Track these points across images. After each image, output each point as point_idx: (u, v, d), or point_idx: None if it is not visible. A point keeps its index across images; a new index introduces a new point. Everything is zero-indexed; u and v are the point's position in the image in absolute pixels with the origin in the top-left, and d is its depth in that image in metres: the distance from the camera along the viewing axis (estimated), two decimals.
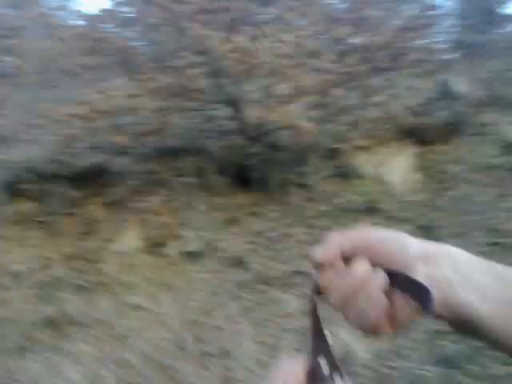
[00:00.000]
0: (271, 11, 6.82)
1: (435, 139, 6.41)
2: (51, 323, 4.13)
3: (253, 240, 5.40)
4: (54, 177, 5.60)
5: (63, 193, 5.51)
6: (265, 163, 6.23)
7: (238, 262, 5.12)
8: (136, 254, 5.18)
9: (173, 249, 5.26)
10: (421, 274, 0.55)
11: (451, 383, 2.98)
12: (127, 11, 7.45)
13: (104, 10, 7.10)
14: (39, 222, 5.30)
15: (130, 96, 5.85)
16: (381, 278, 0.55)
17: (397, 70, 6.84)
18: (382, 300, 0.55)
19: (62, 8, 12.20)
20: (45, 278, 4.66)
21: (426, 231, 5.05)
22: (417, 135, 6.50)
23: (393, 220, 5.44)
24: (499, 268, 0.58)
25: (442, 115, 6.60)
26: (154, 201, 5.64)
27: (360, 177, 6.27)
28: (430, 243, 0.60)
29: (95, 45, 6.83)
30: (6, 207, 5.19)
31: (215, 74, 6.34)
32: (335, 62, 6.34)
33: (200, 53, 5.96)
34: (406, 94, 6.85)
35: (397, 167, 6.35)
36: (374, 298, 0.55)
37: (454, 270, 0.56)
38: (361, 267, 0.56)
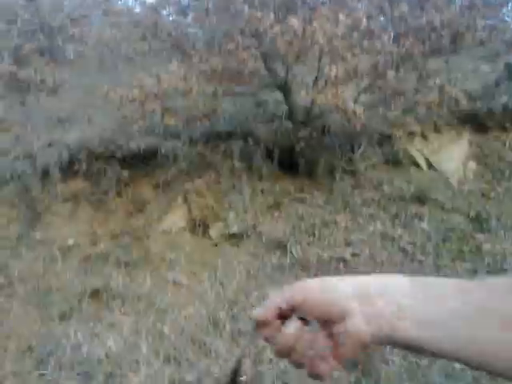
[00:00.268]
0: None
1: (494, 126, 5.99)
2: (95, 295, 4.33)
3: (295, 225, 5.35)
4: (107, 157, 5.82)
5: (114, 173, 5.72)
6: (312, 148, 6.13)
7: (279, 246, 5.09)
8: (180, 233, 5.30)
9: (215, 230, 5.32)
10: (358, 314, 0.58)
11: None
12: None
13: None
14: (90, 200, 5.55)
15: (182, 79, 5.93)
16: (311, 334, 0.60)
17: (457, 51, 6.46)
18: (315, 352, 0.59)
19: None
20: (92, 252, 4.89)
21: (478, 223, 4.76)
22: (475, 121, 6.11)
23: (443, 210, 5.18)
24: (445, 290, 0.59)
25: (502, 100, 6.15)
26: (200, 183, 5.72)
27: (412, 164, 6.01)
28: (365, 278, 0.63)
29: (150, 30, 7.03)
30: (60, 185, 5.47)
31: (266, 57, 6.30)
32: (391, 43, 6.09)
33: (252, 35, 5.94)
34: (465, 77, 6.44)
35: (452, 155, 6.02)
36: (306, 354, 0.59)
37: (392, 304, 0.58)
38: (291, 327, 0.60)
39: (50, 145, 5.85)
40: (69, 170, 5.70)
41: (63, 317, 4.04)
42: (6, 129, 6.42)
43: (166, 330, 4.04)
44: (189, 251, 5.01)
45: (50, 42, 10.72)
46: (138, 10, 8.93)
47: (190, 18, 7.88)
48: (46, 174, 5.60)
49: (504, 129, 6.05)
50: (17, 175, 5.60)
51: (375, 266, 4.71)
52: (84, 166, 5.76)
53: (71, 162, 5.75)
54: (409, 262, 4.74)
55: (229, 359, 3.56)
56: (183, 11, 7.73)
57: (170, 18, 7.88)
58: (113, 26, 9.32)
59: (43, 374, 3.34)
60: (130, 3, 10.95)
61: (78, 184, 5.66)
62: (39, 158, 5.66)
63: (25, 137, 6.14)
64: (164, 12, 8.10)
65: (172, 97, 5.98)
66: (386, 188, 5.69)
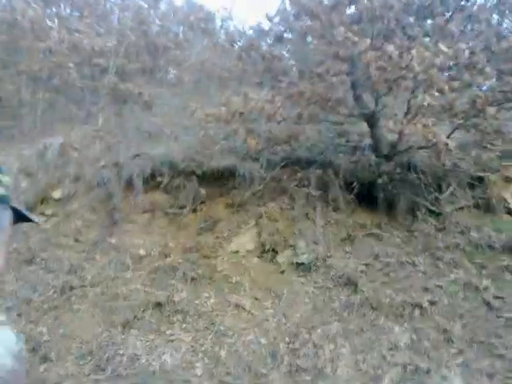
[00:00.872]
0: (429, 23, 6.41)
1: None
2: (158, 307, 4.36)
3: (368, 262, 5.05)
4: (187, 173, 5.97)
5: (192, 189, 5.84)
6: (395, 184, 5.82)
7: (349, 283, 4.82)
8: (248, 256, 5.22)
9: (284, 257, 5.18)
10: None
11: None
12: (279, 23, 7.73)
13: (257, 27, 7.47)
14: (167, 213, 5.69)
15: (268, 101, 5.97)
16: None
17: None
18: None
19: (224, 26, 13.26)
20: (161, 264, 4.96)
21: None
22: None
23: None
24: None
25: None
26: (273, 207, 5.64)
27: (505, 212, 5.47)
28: None
29: (243, 54, 7.22)
30: (141, 196, 5.67)
31: (356, 84, 6.17)
32: (494, 78, 5.69)
33: (345, 60, 5.84)
34: None
35: None
36: None
37: None
38: None
39: (136, 156, 6.12)
40: (150, 182, 5.91)
41: (126, 325, 4.10)
42: (100, 138, 6.85)
43: (222, 353, 3.95)
44: (254, 275, 4.91)
45: (153, 63, 11.46)
46: (237, 36, 9.30)
47: (285, 43, 8.02)
48: (129, 183, 5.85)
49: None
50: (102, 182, 5.91)
51: (454, 317, 4.28)
52: (165, 180, 5.95)
53: (154, 174, 5.96)
54: (494, 317, 4.25)
55: None
56: (280, 36, 7.87)
57: (267, 42, 8.07)
58: (211, 48, 9.78)
59: (98, 380, 3.37)
60: (232, 28, 11.49)
61: (158, 196, 5.84)
62: (125, 168, 5.93)
63: (115, 147, 6.50)
64: (261, 36, 8.35)
65: (256, 119, 6.02)
66: (473, 234, 5.21)
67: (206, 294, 4.59)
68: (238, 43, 8.32)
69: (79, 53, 9.24)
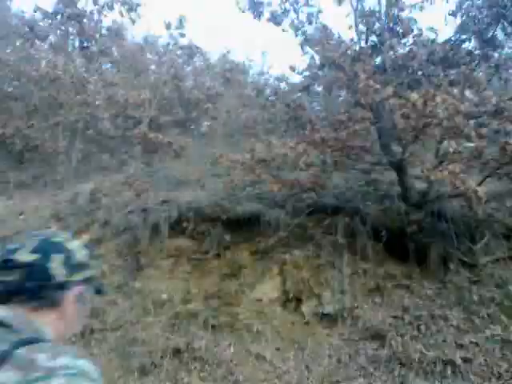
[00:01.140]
0: (454, 72, 6.44)
1: None
2: (177, 354, 4.23)
3: (397, 315, 4.81)
4: (213, 219, 5.98)
5: (217, 235, 5.82)
6: (425, 233, 5.64)
7: (377, 336, 4.58)
8: (271, 304, 5.08)
9: (308, 307, 5.01)
10: None
11: None
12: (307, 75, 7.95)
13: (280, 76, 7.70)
14: (191, 258, 5.66)
15: (292, 148, 6.01)
16: None
17: None
18: None
19: (255, 79, 13.75)
20: (183, 310, 4.87)
21: None
22: None
23: None
24: None
25: None
26: (298, 255, 5.54)
27: None
28: None
29: (270, 101, 7.42)
30: (166, 241, 5.69)
31: (382, 133, 6.17)
32: None
33: (367, 109, 5.88)
34: None
35: None
36: None
37: None
38: None
39: (163, 202, 6.21)
40: (176, 227, 5.94)
41: (143, 371, 3.98)
42: (129, 185, 7.01)
43: None
44: (277, 325, 4.74)
45: (186, 115, 11.90)
46: (262, 82, 9.61)
47: (311, 92, 8.20)
48: (155, 228, 5.90)
49: None
50: (130, 227, 5.98)
51: (491, 376, 3.96)
52: (191, 226, 5.96)
53: (179, 220, 6.00)
54: None
55: None
56: (306, 86, 8.06)
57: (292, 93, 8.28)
58: (238, 97, 10.09)
59: None
60: (257, 78, 11.88)
61: (183, 242, 5.84)
62: (152, 214, 6.01)
63: (144, 194, 6.62)
64: (286, 85, 8.59)
65: (281, 165, 6.05)
66: (510, 288, 4.91)
67: (226, 343, 4.44)
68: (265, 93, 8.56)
69: (114, 104, 9.71)
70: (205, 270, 5.51)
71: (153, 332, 4.49)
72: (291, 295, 5.12)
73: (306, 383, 4.06)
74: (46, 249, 1.00)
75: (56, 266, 0.98)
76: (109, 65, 13.19)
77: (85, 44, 12.55)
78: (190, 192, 6.55)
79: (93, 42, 12.40)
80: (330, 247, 5.66)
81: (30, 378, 0.77)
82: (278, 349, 4.46)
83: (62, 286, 0.99)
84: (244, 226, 5.97)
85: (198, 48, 13.73)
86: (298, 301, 5.09)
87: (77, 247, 1.06)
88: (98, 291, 1.12)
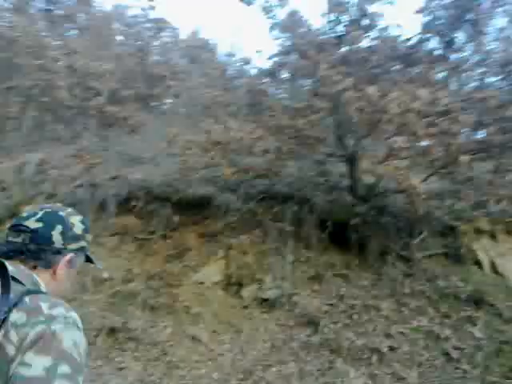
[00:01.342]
0: (412, 70, 6.57)
1: None
2: (112, 333, 4.25)
3: (333, 303, 4.99)
4: (163, 200, 5.96)
5: (165, 216, 5.81)
6: (368, 226, 5.82)
7: (311, 322, 4.75)
8: (213, 287, 5.15)
9: (249, 291, 5.12)
10: None
11: None
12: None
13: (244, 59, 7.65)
14: (137, 238, 5.64)
15: (250, 133, 6.01)
16: None
17: None
18: None
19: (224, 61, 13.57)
20: (123, 290, 4.87)
21: None
22: None
23: (501, 319, 4.58)
24: None
25: None
26: (244, 240, 5.61)
27: (473, 263, 5.46)
28: None
29: (233, 84, 7.37)
30: (113, 219, 5.64)
31: (338, 125, 6.26)
32: (472, 127, 5.80)
33: (326, 100, 5.94)
34: None
35: None
36: None
37: None
38: None
39: (113, 179, 6.12)
40: (124, 205, 5.89)
41: None
42: (80, 158, 6.86)
43: None
44: (216, 308, 4.83)
45: (148, 90, 11.63)
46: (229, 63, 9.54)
47: (278, 79, 8.19)
48: (103, 205, 5.82)
49: None
50: (76, 202, 5.87)
51: (412, 365, 4.20)
52: (140, 204, 5.93)
53: (129, 198, 5.95)
54: (451, 368, 4.17)
55: None
56: (271, 71, 8.04)
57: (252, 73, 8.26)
58: (203, 77, 9.98)
59: None
60: (224, 59, 11.77)
61: (129, 220, 5.80)
62: (100, 190, 5.92)
63: (94, 168, 6.50)
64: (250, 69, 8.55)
65: (235, 149, 6.05)
66: (440, 283, 5.17)
67: (164, 324, 4.49)
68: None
69: (74, 73, 9.38)
70: (150, 250, 5.51)
71: (89, 310, 4.47)
72: (234, 279, 5.22)
73: (239, 365, 4.18)
74: (50, 219, 1.20)
75: (56, 235, 1.18)
76: (73, 31, 12.71)
77: (49, 7, 12.02)
78: (142, 170, 6.47)
79: (58, 5, 11.90)
80: (276, 234, 5.76)
81: (35, 320, 0.96)
82: (214, 331, 4.56)
83: (58, 252, 1.18)
84: (194, 209, 5.99)
85: (167, 22, 13.39)
86: (240, 285, 5.19)
87: (76, 221, 1.25)
88: (88, 260, 1.32)
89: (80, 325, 1.04)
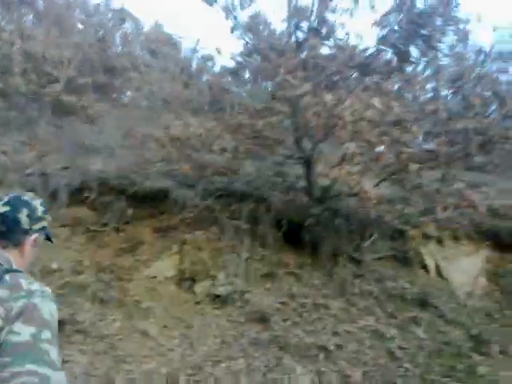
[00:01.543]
0: (369, 79, 6.78)
1: None
2: (60, 325, 4.12)
3: (284, 301, 5.07)
4: (118, 192, 5.84)
5: (119, 209, 5.71)
6: (322, 227, 5.96)
7: (262, 320, 4.81)
8: (166, 282, 5.12)
9: (202, 287, 5.12)
10: None
11: None
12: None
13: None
14: (88, 229, 5.51)
15: (209, 130, 6.02)
16: None
17: (490, 166, 6.37)
18: None
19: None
20: (73, 281, 4.75)
21: (478, 342, 4.38)
22: (495, 239, 5.83)
23: (443, 321, 4.82)
24: None
25: None
26: (200, 236, 5.60)
27: (420, 266, 5.72)
28: None
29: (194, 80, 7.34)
30: (64, 209, 5.47)
31: (296, 128, 6.37)
32: (421, 137, 6.06)
33: (284, 103, 6.04)
34: (494, 193, 6.23)
35: (464, 267, 5.71)
36: None
37: None
38: None
39: (65, 168, 5.95)
40: (77, 196, 5.73)
41: None
42: (33, 147, 6.62)
43: (118, 380, 3.77)
44: (167, 303, 4.80)
45: (107, 80, 11.34)
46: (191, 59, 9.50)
47: (241, 78, 8.23)
48: (54, 195, 5.64)
49: None
50: (27, 190, 5.66)
51: (357, 363, 4.34)
52: (93, 196, 5.79)
53: (82, 188, 5.80)
54: (395, 367, 4.34)
55: None
56: (233, 70, 8.07)
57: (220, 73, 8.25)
58: (164, 71, 9.87)
59: None
60: (187, 54, 11.70)
61: (82, 211, 5.66)
62: (52, 179, 5.74)
63: (47, 157, 6.29)
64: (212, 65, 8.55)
65: (194, 145, 6.04)
66: (387, 284, 5.38)
67: (113, 317, 4.42)
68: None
69: (30, 59, 9.04)
70: (101, 243, 5.39)
71: None
72: (186, 275, 5.20)
73: (188, 361, 4.17)
74: (17, 203, 1.33)
75: (23, 217, 1.32)
76: (30, 17, 12.21)
77: None
78: (98, 161, 6.32)
79: None
80: (232, 232, 5.79)
81: (17, 295, 1.09)
82: (165, 326, 4.53)
83: (26, 232, 1.32)
84: (150, 202, 5.91)
85: (129, 14, 13.13)
86: (193, 281, 5.18)
87: (38, 204, 1.39)
88: (48, 238, 1.47)
89: (53, 298, 1.19)
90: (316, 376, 4.16)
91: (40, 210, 1.39)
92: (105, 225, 5.55)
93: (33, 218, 1.34)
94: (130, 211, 5.75)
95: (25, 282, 1.14)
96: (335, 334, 4.72)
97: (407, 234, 5.97)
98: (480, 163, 6.61)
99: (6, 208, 1.31)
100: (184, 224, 5.78)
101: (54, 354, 1.08)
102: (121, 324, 4.37)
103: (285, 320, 4.79)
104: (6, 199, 1.34)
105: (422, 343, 4.63)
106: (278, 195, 6.47)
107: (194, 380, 3.99)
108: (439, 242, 5.99)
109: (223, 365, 4.19)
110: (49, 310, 1.14)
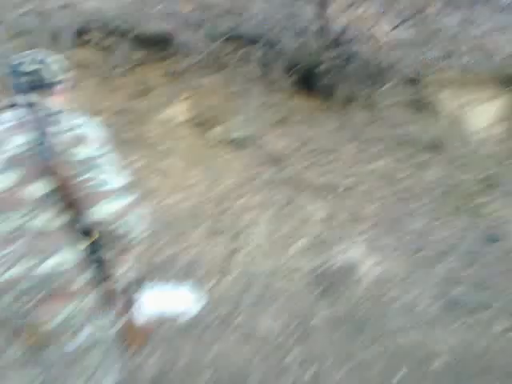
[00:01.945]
0: None
1: None
2: None
3: (298, 145, 5.16)
4: (120, 34, 5.52)
5: (125, 51, 5.45)
6: (336, 72, 5.79)
7: (276, 163, 4.94)
8: (180, 127, 5.13)
9: (216, 132, 5.15)
10: None
11: None
12: None
13: None
14: (97, 72, 5.33)
15: None
16: None
17: None
18: None
19: None
20: None
21: (485, 186, 4.56)
22: None
23: (453, 166, 4.95)
24: None
25: None
26: (210, 82, 5.46)
27: (435, 112, 5.68)
28: None
29: None
30: (68, 51, 5.21)
31: None
32: None
33: None
34: None
35: (481, 113, 5.66)
36: None
37: None
38: None
39: (63, 7, 5.53)
40: (80, 38, 5.43)
41: None
42: None
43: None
44: (183, 147, 4.87)
45: None
46: None
47: None
48: (56, 36, 5.33)
49: None
50: (27, 31, 5.34)
51: (366, 202, 4.58)
52: (96, 37, 5.49)
53: (83, 30, 5.46)
54: (401, 206, 4.60)
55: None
56: None
57: None
58: None
59: None
60: None
61: (88, 54, 5.41)
62: (51, 19, 5.37)
63: None
64: None
65: None
66: (400, 130, 5.41)
67: (134, 157, 4.51)
68: None
69: None
70: (112, 87, 5.25)
71: None
72: (200, 120, 5.18)
73: (207, 197, 4.39)
74: (44, 60, 1.58)
75: (54, 70, 1.60)
76: None
77: None
78: (94, 1, 5.84)
79: None
80: (242, 77, 5.63)
81: (63, 129, 1.40)
82: (182, 168, 4.66)
83: (59, 82, 1.61)
84: (155, 46, 5.63)
85: None
86: (206, 126, 5.18)
87: (59, 59, 1.64)
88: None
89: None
90: (326, 212, 4.42)
91: (63, 63, 1.66)
92: (113, 67, 5.35)
93: (60, 70, 1.62)
94: (137, 54, 5.50)
95: (66, 119, 1.43)
96: (346, 176, 4.89)
97: (424, 80, 5.82)
98: (507, 4, 6.17)
99: (35, 66, 1.54)
100: (193, 69, 5.58)
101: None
102: (141, 164, 4.49)
103: (298, 163, 4.93)
104: (30, 58, 1.56)
105: (429, 185, 4.83)
106: (290, 39, 6.14)
107: (212, 211, 4.24)
108: (456, 88, 5.85)
109: (239, 202, 4.41)
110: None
